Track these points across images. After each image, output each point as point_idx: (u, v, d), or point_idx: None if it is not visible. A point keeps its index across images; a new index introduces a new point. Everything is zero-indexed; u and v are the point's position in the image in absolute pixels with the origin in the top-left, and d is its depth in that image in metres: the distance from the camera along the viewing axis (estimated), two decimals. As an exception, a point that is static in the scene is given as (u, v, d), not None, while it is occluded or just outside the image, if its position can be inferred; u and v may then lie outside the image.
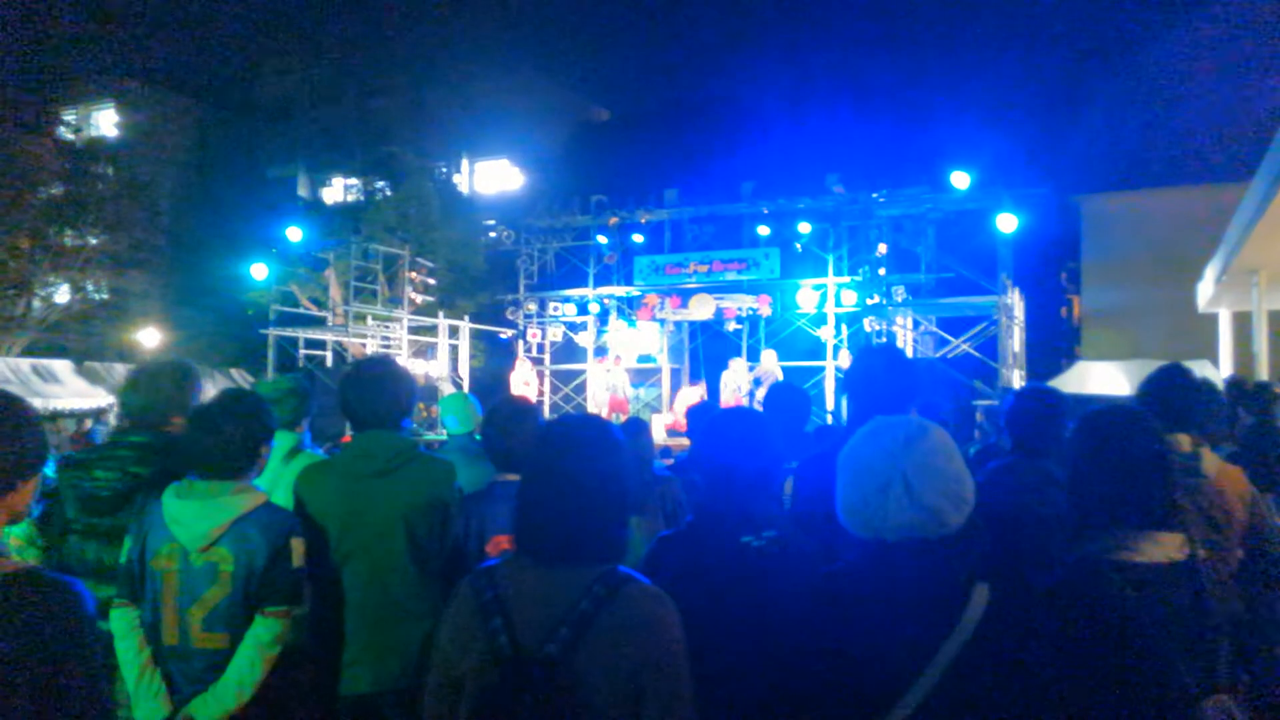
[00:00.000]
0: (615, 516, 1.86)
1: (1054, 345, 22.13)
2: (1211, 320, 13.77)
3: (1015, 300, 15.28)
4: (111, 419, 16.95)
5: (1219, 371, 12.09)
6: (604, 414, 14.98)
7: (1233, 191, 10.15)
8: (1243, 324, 12.42)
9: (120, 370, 20.24)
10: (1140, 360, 13.88)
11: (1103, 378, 15.05)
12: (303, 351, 17.96)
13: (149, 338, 22.79)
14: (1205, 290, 12.75)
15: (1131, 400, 3.33)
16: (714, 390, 14.91)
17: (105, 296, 22.11)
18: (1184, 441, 2.90)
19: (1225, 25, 18.90)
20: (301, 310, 18.84)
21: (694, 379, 16.96)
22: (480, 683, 1.75)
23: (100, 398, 18.23)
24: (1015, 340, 15.36)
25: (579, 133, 28.00)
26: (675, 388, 17.31)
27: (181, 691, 2.52)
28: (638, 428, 4.53)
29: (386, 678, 2.79)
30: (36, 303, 20.89)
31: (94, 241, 20.87)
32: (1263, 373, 10.62)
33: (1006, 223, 13.74)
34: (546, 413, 15.95)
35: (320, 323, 18.42)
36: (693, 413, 5.90)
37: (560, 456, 1.86)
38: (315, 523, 2.82)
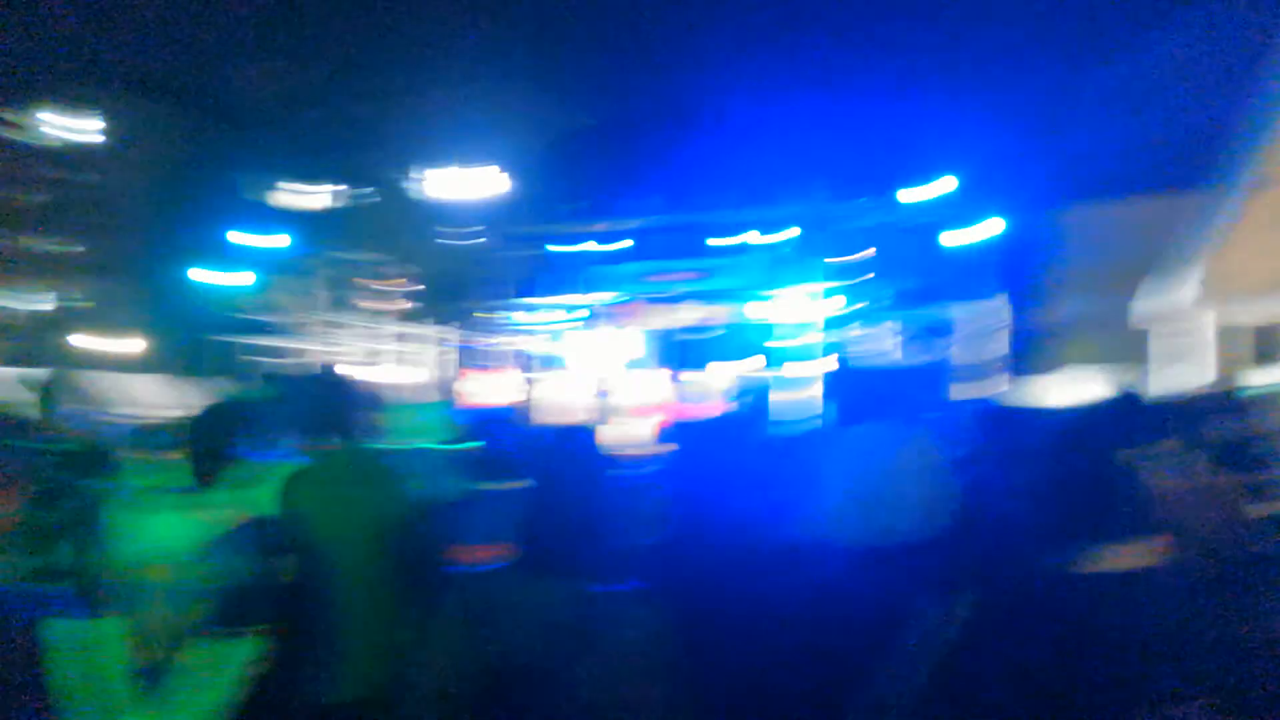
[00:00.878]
0: (605, 531, 1.90)
1: (1033, 351, 22.32)
2: (1185, 328, 13.95)
3: (996, 307, 15.41)
4: (85, 426, 16.77)
5: (1189, 379, 12.25)
6: (584, 421, 14.97)
7: (1206, 200, 10.32)
8: (1216, 332, 12.61)
9: (93, 377, 20.05)
10: (1115, 367, 14.03)
11: (1080, 384, 15.19)
12: (278, 360, 17.86)
13: (123, 345, 22.59)
14: (1180, 298, 12.91)
15: (1088, 412, 3.39)
16: (696, 395, 14.93)
17: (81, 304, 21.92)
18: (1155, 449, 2.95)
19: (1155, 47, 19.20)
20: (278, 319, 18.73)
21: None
22: (467, 690, 1.77)
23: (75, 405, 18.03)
24: (995, 346, 15.49)
25: (562, 140, 27.98)
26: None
27: (151, 706, 2.51)
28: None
29: (363, 686, 2.80)
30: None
31: (71, 249, 20.69)
32: (1226, 382, 10.78)
33: (988, 230, 13.86)
34: (528, 421, 15.94)
35: (297, 331, 18.32)
36: (674, 421, 5.94)
37: (558, 472, 1.90)
38: (286, 533, 2.82)
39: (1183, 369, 13.21)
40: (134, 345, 22.78)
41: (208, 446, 2.62)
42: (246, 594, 2.55)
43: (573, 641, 1.75)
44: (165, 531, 2.55)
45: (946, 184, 14.18)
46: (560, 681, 1.72)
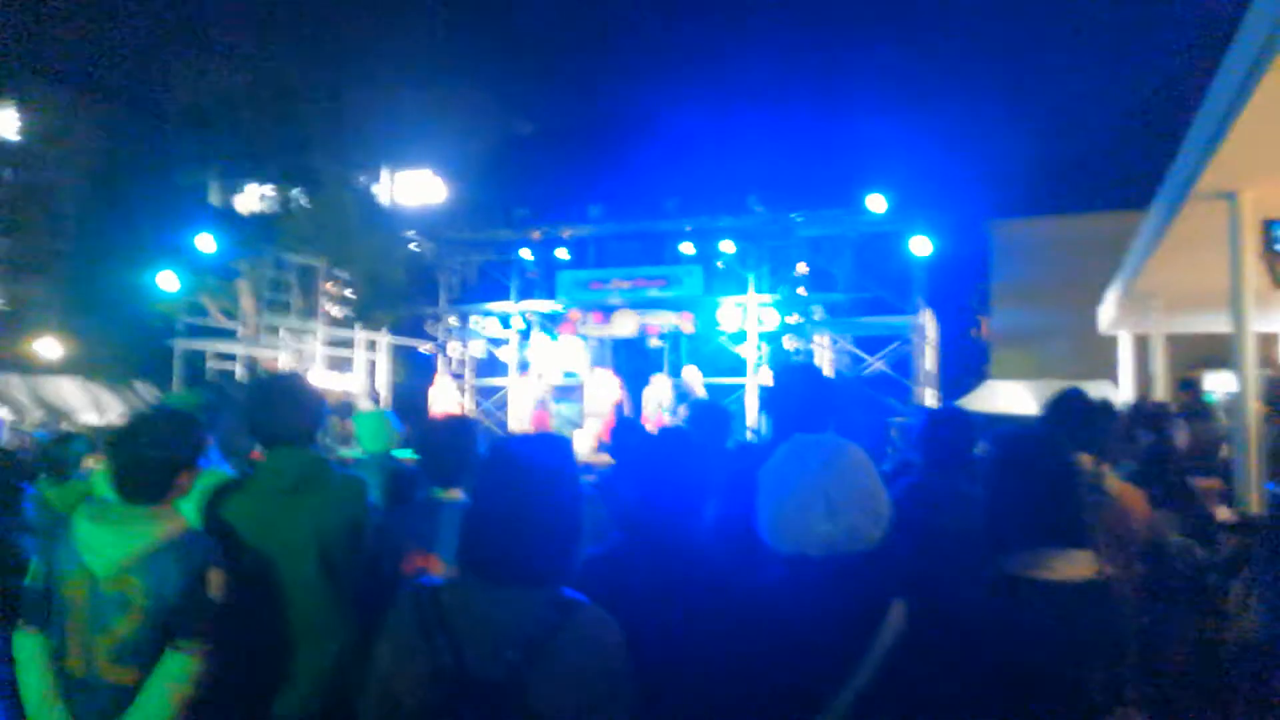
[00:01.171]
0: (564, 537, 1.85)
1: (964, 364, 22.78)
2: (1112, 342, 14.36)
3: (928, 320, 15.73)
4: (5, 432, 16.20)
5: (1119, 392, 12.62)
6: (528, 429, 14.92)
7: (1134, 218, 10.61)
8: (1141, 346, 12.98)
9: (16, 382, 19.37)
10: (1046, 380, 14.39)
11: (1010, 397, 15.58)
12: (212, 364, 17.46)
13: (49, 348, 21.85)
14: (1107, 313, 13.29)
15: (1037, 421, 3.46)
16: (636, 406, 14.95)
17: (2, 305, 21.15)
18: (1086, 461, 3.02)
19: (1128, 59, 19.84)
20: (211, 322, 18.30)
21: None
22: (421, 702, 1.72)
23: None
24: (928, 359, 15.79)
25: (502, 145, 27.84)
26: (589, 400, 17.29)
27: None
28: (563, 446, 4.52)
29: (300, 700, 2.74)
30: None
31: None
32: (1160, 393, 11.12)
33: (920, 245, 14.16)
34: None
35: (231, 335, 17.91)
36: (616, 431, 5.93)
37: (511, 476, 1.84)
38: (224, 542, 2.74)
39: (1119, 381, 13.62)
40: (60, 349, 22.05)
41: (138, 455, 2.50)
42: (178, 610, 2.42)
43: (528, 652, 1.72)
44: (91, 544, 2.42)
45: (882, 199, 14.43)
46: (517, 694, 1.69)
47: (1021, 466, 2.08)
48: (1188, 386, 8.36)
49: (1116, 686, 1.86)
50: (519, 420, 15.99)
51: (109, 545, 2.42)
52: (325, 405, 3.18)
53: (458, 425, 3.25)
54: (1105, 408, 3.61)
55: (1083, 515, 2.04)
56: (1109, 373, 14.33)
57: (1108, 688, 1.84)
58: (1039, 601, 1.91)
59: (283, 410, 2.91)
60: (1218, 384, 13.46)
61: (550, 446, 1.95)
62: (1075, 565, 1.97)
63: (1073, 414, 3.20)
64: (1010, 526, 2.04)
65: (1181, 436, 5.46)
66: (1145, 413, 5.71)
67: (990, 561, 2.04)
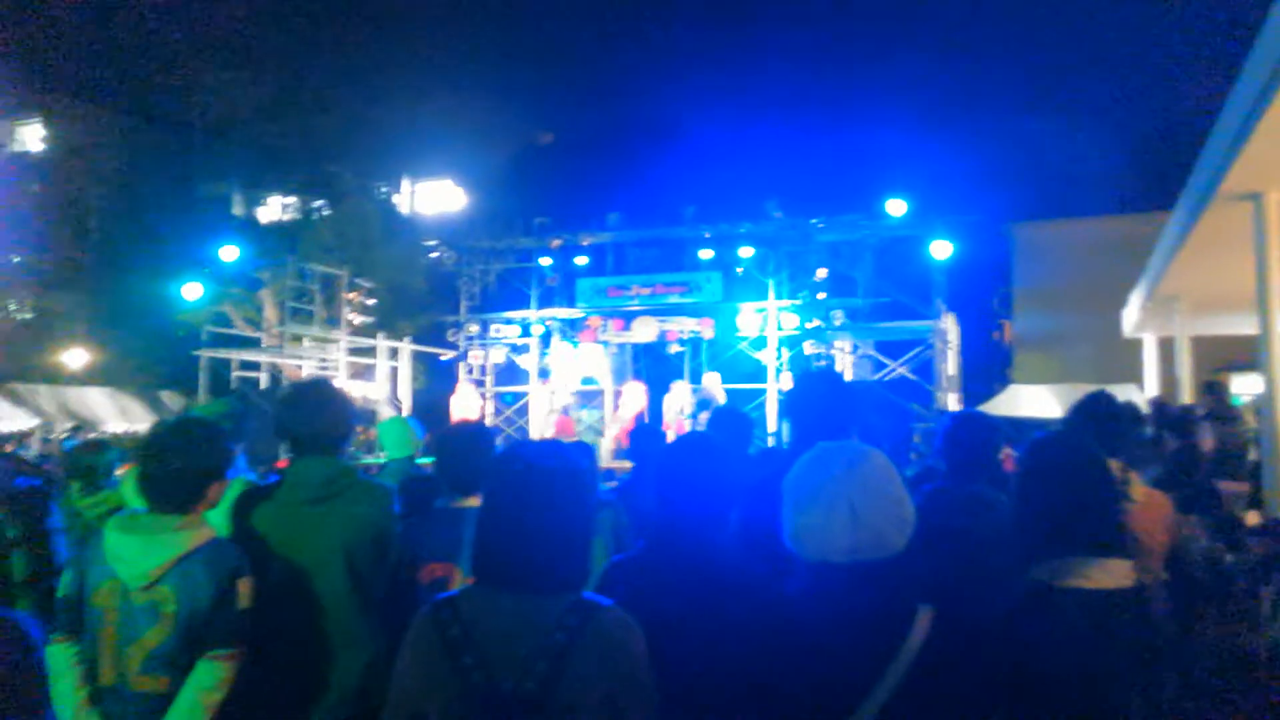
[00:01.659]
0: (581, 543, 1.85)
1: (987, 368, 22.66)
2: (1137, 345, 14.24)
3: (950, 325, 15.63)
4: (35, 443, 16.39)
5: (1144, 395, 12.50)
6: (550, 436, 14.95)
7: (1158, 220, 10.52)
8: (1167, 349, 12.85)
9: (44, 392, 19.61)
10: (1069, 384, 14.29)
11: (1034, 401, 15.47)
12: (236, 373, 17.58)
13: (76, 359, 22.11)
14: (1131, 316, 13.18)
15: (1061, 425, 3.43)
16: (656, 412, 14.96)
17: (29, 316, 21.42)
18: (1112, 466, 3.00)
19: (1151, 62, 19.67)
20: (235, 331, 18.46)
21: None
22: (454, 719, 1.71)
23: (23, 420, 17.63)
24: (950, 364, 15.70)
25: (522, 154, 28.00)
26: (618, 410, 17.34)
27: None
28: (585, 452, 4.54)
29: (329, 711, 2.74)
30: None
31: (16, 259, 20.23)
32: (1185, 396, 11.00)
33: (941, 249, 14.09)
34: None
35: (255, 344, 18.06)
36: (636, 436, 5.93)
37: (526, 482, 1.83)
38: (252, 552, 2.75)
39: (1144, 385, 13.51)
40: (87, 359, 22.31)
41: (168, 466, 2.52)
42: (209, 619, 2.43)
43: (556, 659, 1.71)
44: (122, 554, 2.43)
45: (901, 203, 14.38)
46: (548, 703, 1.69)
47: (1056, 472, 2.03)
48: (1213, 389, 8.25)
49: (1154, 698, 1.82)
50: (541, 427, 16.02)
51: (139, 555, 2.43)
52: (354, 413, 3.19)
53: (475, 432, 3.25)
54: (1131, 411, 3.58)
55: (1120, 523, 1.99)
56: (1134, 376, 14.22)
57: (1145, 699, 1.81)
58: (1074, 610, 1.87)
59: (315, 418, 2.90)
60: (1245, 386, 13.32)
61: (561, 451, 1.95)
62: (1112, 574, 1.92)
63: (1097, 418, 3.16)
64: (1043, 533, 1.99)
65: (1208, 440, 5.41)
66: (1171, 416, 5.66)
67: (1020, 569, 2.00)
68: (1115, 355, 15.80)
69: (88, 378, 22.27)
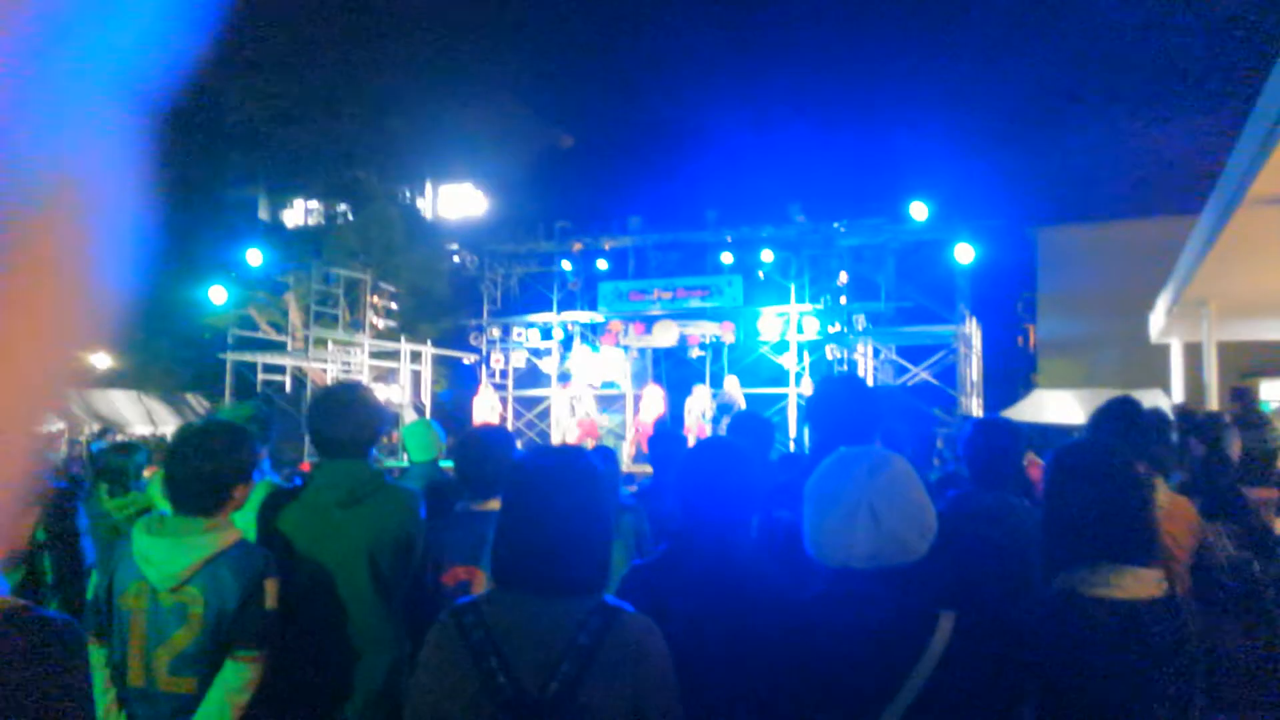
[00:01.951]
0: (601, 545, 1.86)
1: (1011, 373, 22.49)
2: (1163, 350, 14.09)
3: (973, 329, 15.55)
4: (63, 445, 16.60)
5: (1171, 401, 12.37)
6: (573, 439, 14.99)
7: (1184, 223, 10.41)
8: (1194, 354, 12.71)
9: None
10: (1095, 389, 14.16)
11: (1058, 406, 15.34)
12: (261, 376, 17.74)
13: (101, 361, 22.35)
14: (1157, 321, 13.05)
15: (1085, 431, 3.41)
16: (677, 416, 14.96)
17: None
18: (1135, 471, 2.97)
19: (1178, 59, 19.50)
20: (260, 335, 18.63)
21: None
22: None
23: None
24: (973, 368, 15.61)
25: (543, 158, 28.08)
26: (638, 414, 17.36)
27: None
28: (607, 456, 4.55)
29: (355, 713, 2.77)
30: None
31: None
32: (1212, 402, 10.88)
33: (964, 253, 14.02)
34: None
35: (279, 347, 18.22)
36: (656, 440, 5.94)
37: (545, 486, 1.84)
38: (278, 554, 2.77)
39: (1171, 390, 13.37)
40: (113, 362, 22.56)
41: (194, 468, 2.55)
42: (236, 621, 2.46)
43: (579, 663, 1.72)
44: (149, 556, 2.46)
45: (924, 207, 14.32)
46: (572, 706, 1.70)
47: (1087, 477, 2.01)
48: (1241, 395, 8.17)
49: (1183, 711, 1.80)
50: (563, 431, 16.05)
51: (167, 557, 2.46)
52: (385, 417, 3.22)
53: (494, 435, 3.26)
54: (1157, 416, 3.55)
55: (1153, 530, 1.96)
56: (1160, 381, 14.07)
57: (1173, 712, 1.79)
58: (1104, 620, 1.85)
59: (343, 421, 2.92)
60: (1274, 393, 13.17)
61: (578, 453, 1.96)
62: (1144, 583, 1.90)
63: (1123, 423, 3.14)
64: (1073, 541, 1.97)
65: (1235, 446, 5.34)
66: (1197, 422, 5.59)
67: (1047, 576, 1.98)
68: (1141, 360, 15.64)
69: (113, 380, 22.52)
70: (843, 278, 15.81)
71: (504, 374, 18.57)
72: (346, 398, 3.01)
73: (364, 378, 17.41)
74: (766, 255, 15.64)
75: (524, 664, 1.72)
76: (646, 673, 1.75)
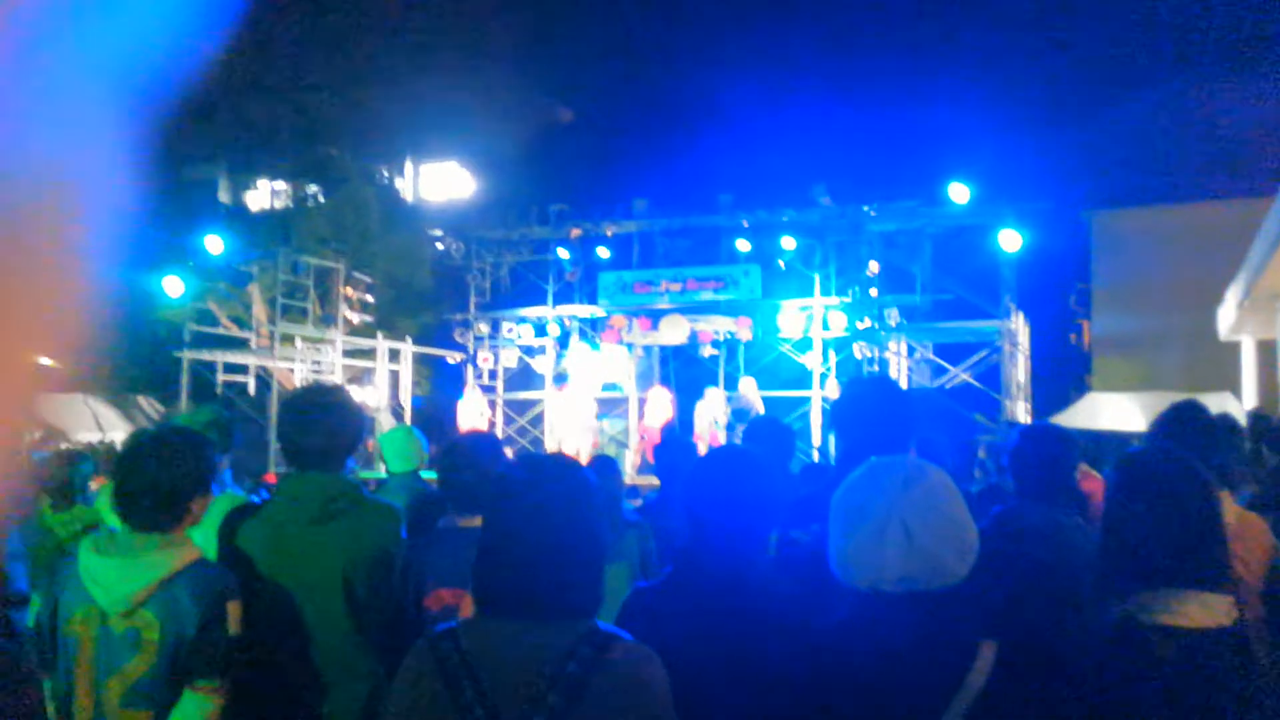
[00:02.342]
0: (593, 565, 1.87)
1: (1062, 375, 22.44)
2: (1233, 349, 14.06)
3: (1020, 325, 15.54)
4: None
5: (1241, 405, 12.35)
6: (587, 448, 14.99)
7: (1258, 206, 10.39)
8: (1267, 353, 12.68)
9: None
10: (1157, 392, 14.13)
11: (1115, 411, 15.30)
12: (222, 377, 17.77)
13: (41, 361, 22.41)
14: (1226, 316, 13.02)
15: (1144, 439, 3.40)
16: (687, 422, 14.97)
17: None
18: (1202, 482, 2.97)
19: (1254, 20, 19.42)
20: (221, 331, 18.65)
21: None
22: None
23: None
24: (1020, 369, 15.60)
25: (537, 134, 28.09)
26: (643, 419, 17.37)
27: None
28: (607, 466, 4.56)
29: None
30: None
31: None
32: (1289, 407, 10.85)
33: (1010, 240, 14.00)
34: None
35: (242, 345, 18.25)
36: (663, 449, 5.94)
37: (530, 499, 1.85)
38: (241, 575, 2.76)
39: (1241, 393, 13.35)
40: (54, 362, 22.59)
41: (147, 480, 2.55)
42: (194, 648, 2.47)
43: (567, 694, 1.72)
44: (98, 577, 2.47)
45: (965, 189, 14.30)
46: None
47: (1152, 493, 2.00)
48: (1322, 400, 8.16)
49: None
50: (570, 438, 16.05)
51: (117, 578, 2.46)
52: (364, 424, 3.23)
53: (481, 443, 3.27)
54: (1225, 423, 3.55)
55: (1223, 550, 1.94)
56: (1229, 383, 14.04)
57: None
58: (1165, 651, 1.84)
59: (318, 428, 2.93)
60: (1358, 397, 13.11)
61: (568, 464, 1.96)
62: (1212, 611, 1.88)
63: (1188, 431, 3.14)
64: (1135, 563, 1.95)
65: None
66: (1271, 429, 5.58)
67: (1103, 602, 1.98)
68: (1208, 360, 15.60)
69: (57, 383, 22.55)
70: (873, 267, 15.79)
71: (493, 375, 18.59)
72: (321, 402, 3.01)
73: (336, 378, 17.44)
74: (788, 242, 15.62)
75: (505, 696, 1.72)
76: (643, 706, 1.75)
